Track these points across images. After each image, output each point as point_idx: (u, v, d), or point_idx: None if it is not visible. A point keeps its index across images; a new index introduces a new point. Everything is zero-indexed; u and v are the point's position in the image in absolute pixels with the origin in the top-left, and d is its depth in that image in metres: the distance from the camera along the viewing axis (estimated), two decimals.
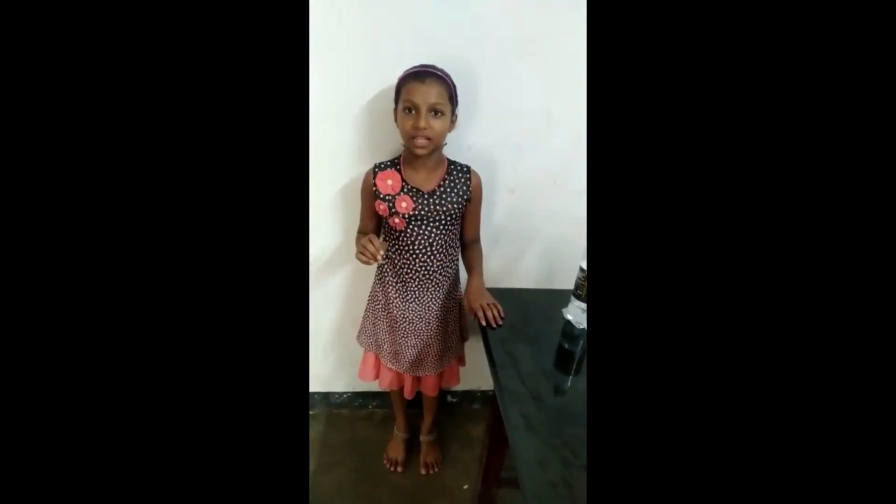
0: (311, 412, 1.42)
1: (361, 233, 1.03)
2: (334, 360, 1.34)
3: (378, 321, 1.09)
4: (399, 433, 1.31)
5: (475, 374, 1.38)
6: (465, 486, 1.24)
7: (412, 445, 1.33)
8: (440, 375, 1.17)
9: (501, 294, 0.94)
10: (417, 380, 1.17)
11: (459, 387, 1.44)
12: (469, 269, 1.04)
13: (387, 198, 0.94)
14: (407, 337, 1.06)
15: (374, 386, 1.38)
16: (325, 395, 1.41)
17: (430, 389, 1.19)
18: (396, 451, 1.29)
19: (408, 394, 1.18)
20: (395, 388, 1.19)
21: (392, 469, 1.27)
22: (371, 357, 1.15)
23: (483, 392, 1.46)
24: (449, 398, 1.46)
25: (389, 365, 1.12)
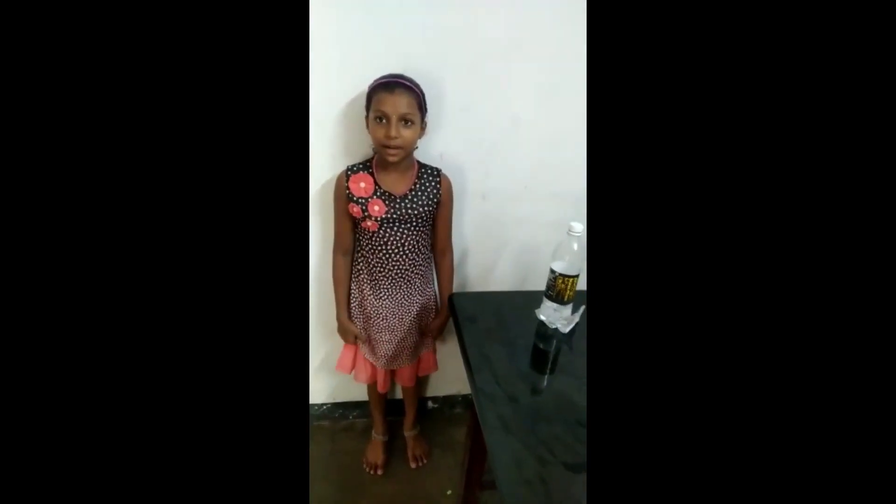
0: None
1: (339, 247, 1.04)
2: (312, 371, 1.32)
3: (355, 317, 1.11)
4: (377, 436, 1.31)
5: (455, 378, 1.39)
6: (449, 492, 1.24)
7: (392, 449, 1.33)
8: (416, 365, 1.20)
9: (477, 298, 0.96)
10: (392, 374, 1.20)
11: (440, 392, 1.44)
12: (439, 292, 1.12)
13: (360, 200, 0.95)
14: (381, 332, 1.09)
15: (354, 396, 1.38)
16: None
17: (405, 380, 1.21)
18: (375, 454, 1.28)
19: (381, 387, 1.20)
20: (370, 381, 1.20)
21: (371, 472, 1.26)
22: (350, 350, 1.16)
23: (464, 396, 1.46)
24: (430, 404, 1.46)
25: (368, 357, 1.14)
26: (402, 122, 0.86)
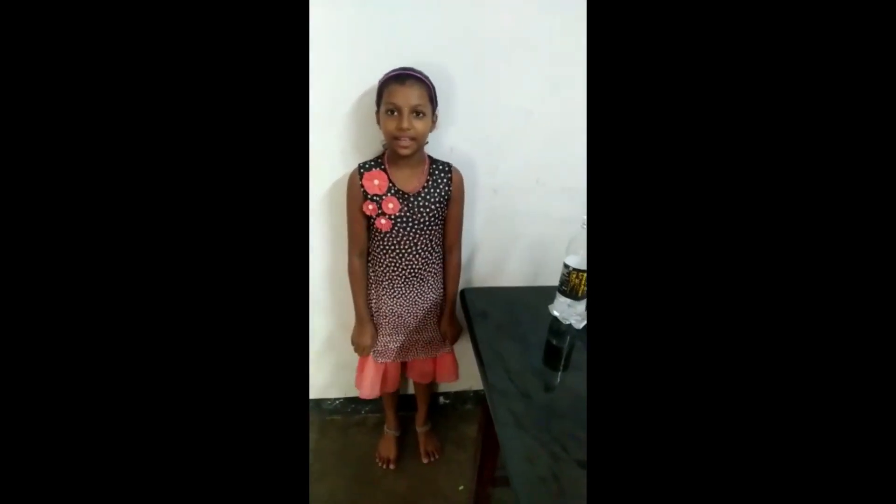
0: None
1: (355, 248, 1.03)
2: (325, 366, 1.33)
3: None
4: (390, 431, 1.31)
5: (467, 374, 1.38)
6: (461, 487, 1.24)
7: (404, 444, 1.33)
8: (433, 366, 1.19)
9: (489, 293, 0.95)
10: (403, 369, 1.19)
11: (452, 388, 1.44)
12: (444, 293, 1.10)
13: (374, 198, 0.95)
14: (396, 329, 1.09)
15: None
16: (318, 402, 1.40)
17: (416, 375, 1.20)
18: (388, 449, 1.29)
19: (391, 387, 1.19)
20: (374, 396, 1.18)
21: (384, 467, 1.27)
22: (363, 363, 1.16)
23: (476, 392, 1.46)
24: (441, 399, 1.46)
25: (379, 359, 1.14)
26: (414, 114, 0.86)
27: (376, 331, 1.10)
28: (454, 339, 1.17)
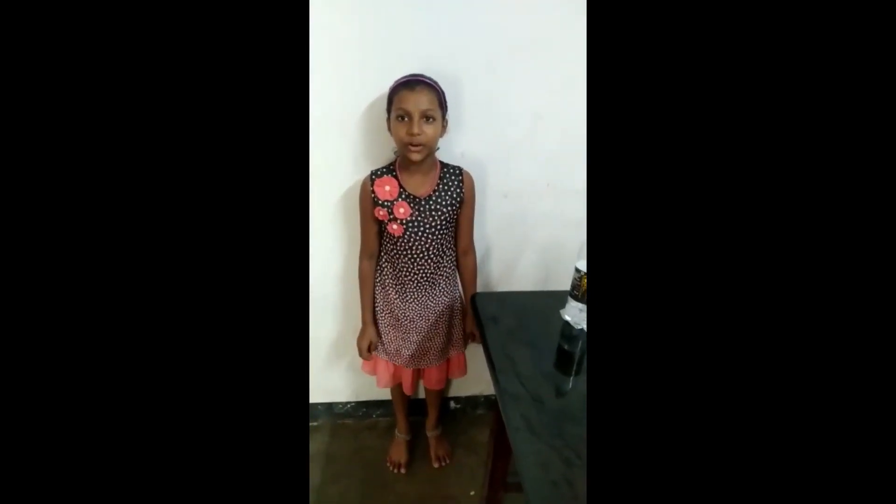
0: (314, 423, 1.41)
1: (365, 251, 1.05)
2: (336, 369, 1.34)
3: (382, 320, 1.12)
4: (400, 435, 1.31)
5: (478, 379, 1.38)
6: (472, 493, 1.23)
7: (415, 448, 1.33)
8: (444, 368, 1.19)
9: (499, 298, 0.95)
10: (418, 375, 1.19)
11: (463, 392, 1.44)
12: (465, 295, 1.10)
13: (385, 203, 0.96)
14: (409, 333, 1.10)
15: (378, 394, 1.39)
16: (329, 406, 1.41)
17: (433, 383, 1.21)
18: (399, 453, 1.29)
19: (407, 389, 1.20)
20: (391, 385, 1.20)
21: (395, 471, 1.27)
22: (376, 362, 1.18)
23: (486, 397, 1.46)
24: (452, 404, 1.46)
25: (391, 359, 1.15)
26: (424, 119, 0.87)
27: (378, 335, 1.12)
28: (477, 340, 1.16)
